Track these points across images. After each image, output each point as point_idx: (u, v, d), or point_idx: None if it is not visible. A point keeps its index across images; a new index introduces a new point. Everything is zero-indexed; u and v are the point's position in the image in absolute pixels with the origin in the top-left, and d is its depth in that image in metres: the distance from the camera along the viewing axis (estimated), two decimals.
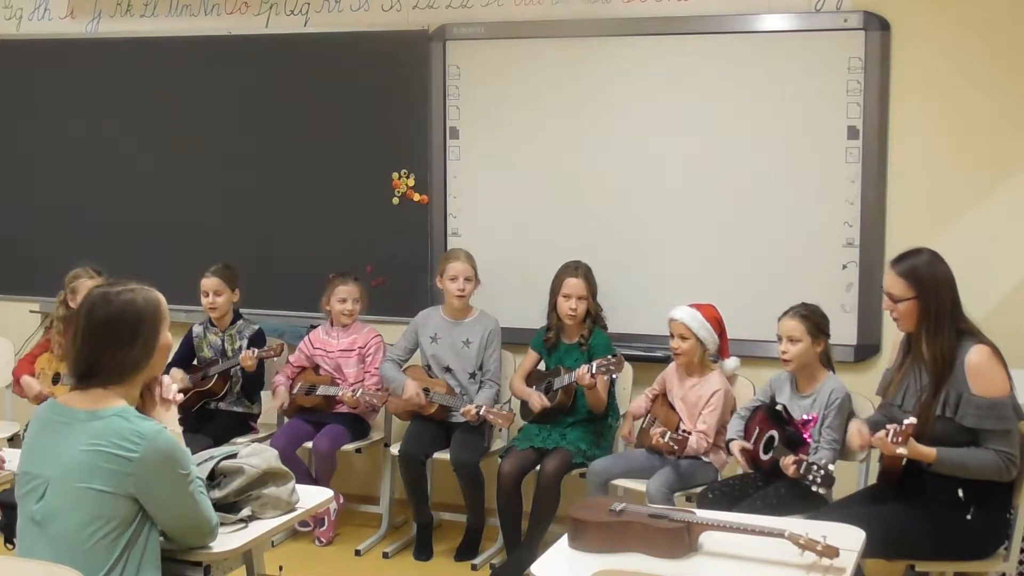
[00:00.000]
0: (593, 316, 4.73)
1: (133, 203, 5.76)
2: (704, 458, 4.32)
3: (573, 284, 4.68)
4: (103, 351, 2.65)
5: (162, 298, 2.76)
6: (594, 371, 4.42)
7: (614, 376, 4.52)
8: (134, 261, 5.51)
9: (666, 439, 4.18)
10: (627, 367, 4.71)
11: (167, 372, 4.60)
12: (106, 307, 2.67)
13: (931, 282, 3.47)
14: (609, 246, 5.00)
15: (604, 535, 2.87)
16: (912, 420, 3.30)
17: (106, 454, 2.55)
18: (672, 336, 4.40)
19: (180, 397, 2.92)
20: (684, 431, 4.30)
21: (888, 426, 3.33)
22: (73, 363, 2.69)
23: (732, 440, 4.12)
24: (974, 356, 3.41)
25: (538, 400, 4.68)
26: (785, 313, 4.09)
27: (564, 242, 5.01)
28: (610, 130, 5.00)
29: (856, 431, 3.63)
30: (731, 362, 4.45)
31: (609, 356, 4.47)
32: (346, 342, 5.12)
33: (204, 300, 5.08)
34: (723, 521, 2.95)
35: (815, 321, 4.04)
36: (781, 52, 4.75)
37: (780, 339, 4.06)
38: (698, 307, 4.41)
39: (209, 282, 5.08)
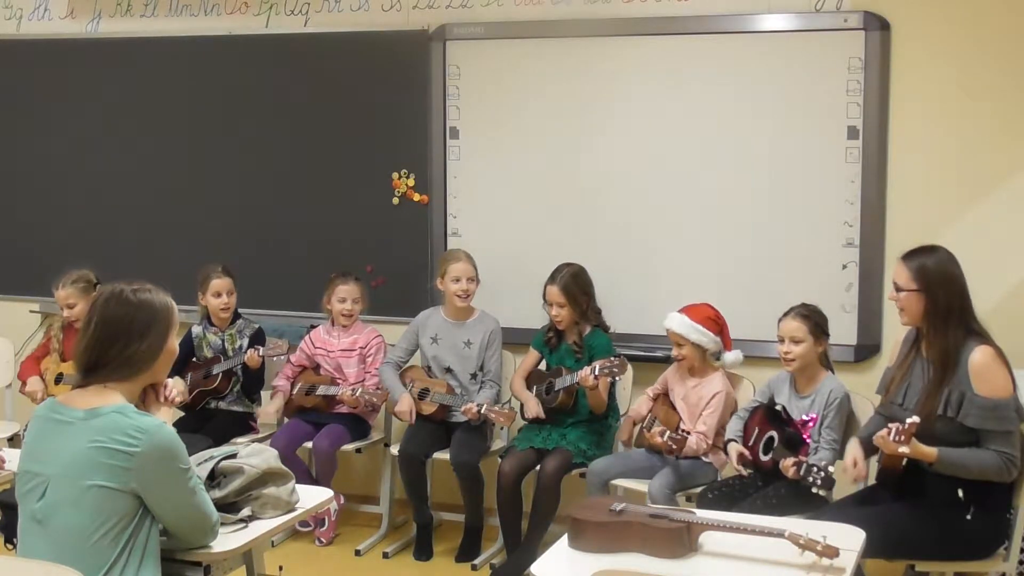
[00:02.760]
0: (585, 318, 4.69)
1: (133, 203, 5.76)
2: (704, 458, 4.32)
3: (550, 292, 4.68)
4: (112, 344, 2.67)
5: (175, 305, 2.81)
6: (597, 373, 4.42)
7: (617, 378, 4.52)
8: (134, 261, 5.53)
9: (665, 438, 4.18)
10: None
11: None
12: (122, 303, 2.71)
13: (938, 279, 3.47)
14: (609, 246, 5.00)
15: (604, 535, 2.87)
16: (915, 419, 3.29)
17: (107, 450, 2.56)
18: (673, 344, 4.42)
19: (178, 400, 2.96)
20: (684, 431, 4.30)
21: (890, 424, 3.33)
22: (81, 355, 2.71)
23: (731, 441, 4.12)
24: (977, 356, 3.41)
25: (535, 407, 4.68)
26: (786, 314, 4.09)
27: (564, 242, 5.01)
28: (610, 130, 5.00)
29: (851, 461, 3.61)
30: (731, 356, 4.41)
31: (612, 358, 4.46)
32: (347, 342, 5.12)
33: (216, 301, 5.08)
34: (723, 521, 2.95)
35: (816, 321, 4.05)
36: (781, 52, 4.75)
37: (782, 340, 4.07)
38: (691, 309, 4.39)
39: (222, 282, 5.08)
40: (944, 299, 3.46)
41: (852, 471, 3.60)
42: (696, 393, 4.40)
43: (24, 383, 5.16)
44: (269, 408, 5.17)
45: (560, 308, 4.66)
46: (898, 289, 3.54)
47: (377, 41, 5.30)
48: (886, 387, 3.68)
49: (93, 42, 5.81)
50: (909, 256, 3.56)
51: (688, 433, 4.27)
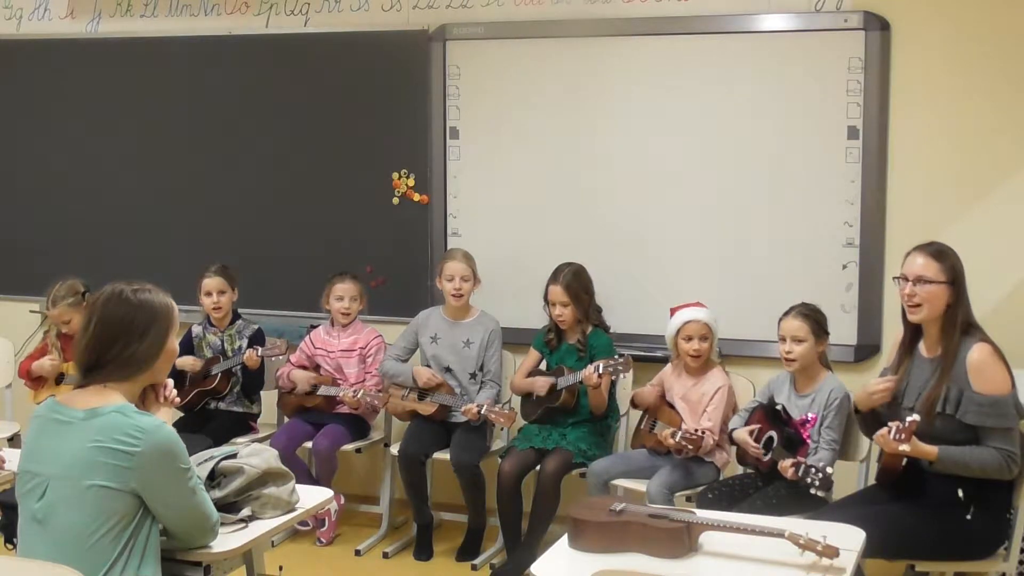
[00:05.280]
0: (587, 318, 4.70)
1: (133, 203, 5.76)
2: (705, 458, 4.31)
3: (552, 291, 4.68)
4: (112, 344, 2.68)
5: (175, 305, 2.81)
6: (601, 371, 4.42)
7: (622, 376, 4.51)
8: (134, 261, 5.53)
9: (677, 439, 4.13)
10: None
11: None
12: (122, 303, 2.71)
13: (960, 274, 3.50)
14: (609, 246, 5.00)
15: (604, 535, 2.87)
16: (915, 417, 3.30)
17: (107, 450, 2.56)
18: (691, 339, 4.36)
19: (178, 400, 2.96)
20: (698, 431, 4.25)
21: (890, 423, 3.33)
22: (81, 355, 2.71)
23: (735, 430, 4.10)
24: (975, 354, 3.41)
25: (544, 381, 4.66)
26: (787, 313, 4.09)
27: (564, 242, 5.01)
28: (610, 130, 5.00)
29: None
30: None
31: (616, 357, 4.46)
32: (347, 342, 5.12)
33: (207, 300, 5.08)
34: (723, 521, 2.95)
35: (817, 320, 4.05)
36: (781, 52, 4.74)
37: (783, 340, 4.06)
38: (697, 306, 4.41)
39: (212, 282, 5.08)
40: (964, 295, 3.48)
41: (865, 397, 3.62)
42: (697, 390, 4.39)
43: (29, 373, 5.16)
44: (299, 390, 5.10)
45: (563, 307, 4.66)
46: (925, 281, 3.47)
47: (377, 41, 5.30)
48: None
49: (93, 42, 5.81)
50: (929, 248, 3.52)
51: (702, 432, 4.23)
